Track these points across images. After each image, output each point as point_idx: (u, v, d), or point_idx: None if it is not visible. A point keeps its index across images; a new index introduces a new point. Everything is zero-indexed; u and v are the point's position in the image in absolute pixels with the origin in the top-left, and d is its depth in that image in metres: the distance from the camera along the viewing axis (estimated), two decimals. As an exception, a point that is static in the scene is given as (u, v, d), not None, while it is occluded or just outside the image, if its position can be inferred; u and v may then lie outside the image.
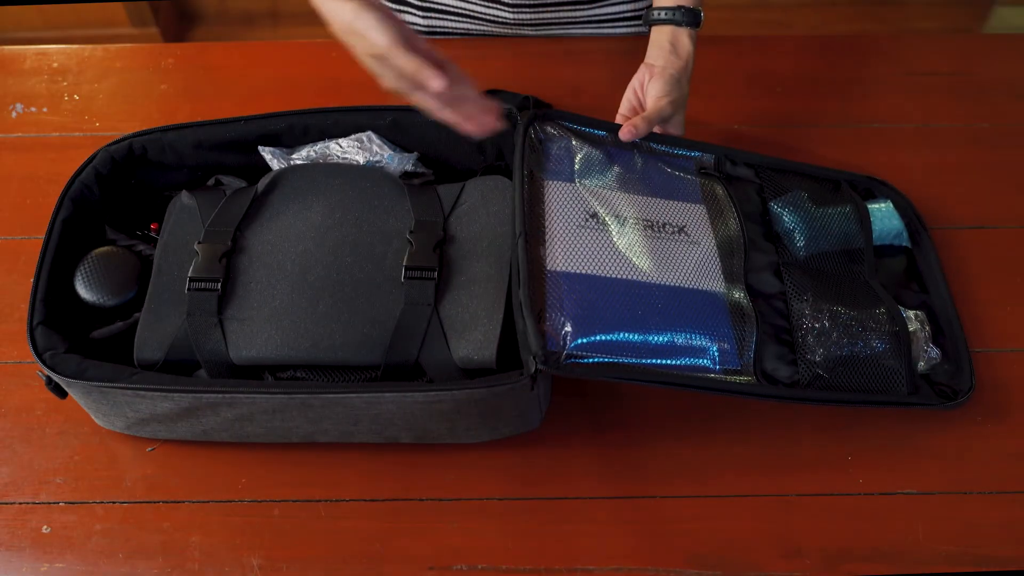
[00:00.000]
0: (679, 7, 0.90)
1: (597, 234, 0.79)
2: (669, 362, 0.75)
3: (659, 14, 0.91)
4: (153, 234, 0.86)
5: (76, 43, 1.12)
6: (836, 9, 2.45)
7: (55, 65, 1.10)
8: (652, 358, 0.74)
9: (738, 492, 0.80)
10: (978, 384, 0.85)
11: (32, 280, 0.78)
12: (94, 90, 1.06)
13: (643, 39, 1.22)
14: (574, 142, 0.86)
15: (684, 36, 0.91)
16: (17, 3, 2.15)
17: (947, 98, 1.10)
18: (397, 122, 0.91)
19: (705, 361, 0.76)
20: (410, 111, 0.90)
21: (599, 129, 0.89)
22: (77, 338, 0.78)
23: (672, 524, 0.78)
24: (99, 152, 0.86)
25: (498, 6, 1.08)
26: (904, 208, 0.94)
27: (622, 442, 0.82)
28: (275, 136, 0.90)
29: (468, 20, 1.11)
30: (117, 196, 0.87)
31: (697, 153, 0.92)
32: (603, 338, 0.73)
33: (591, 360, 0.73)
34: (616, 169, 0.86)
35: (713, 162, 0.92)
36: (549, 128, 0.86)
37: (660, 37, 0.91)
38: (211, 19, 2.40)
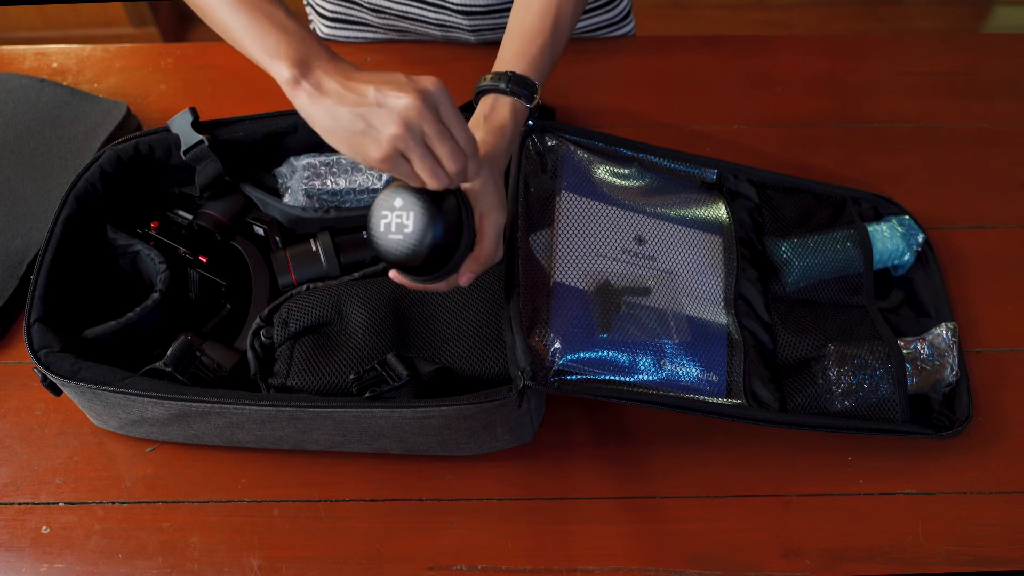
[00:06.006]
0: (506, 72, 0.76)
1: (598, 250, 0.79)
2: (658, 382, 0.75)
3: (483, 82, 0.76)
4: (153, 232, 0.86)
5: (76, 43, 1.12)
6: (836, 9, 2.45)
7: (55, 65, 1.10)
8: (642, 378, 0.74)
9: (738, 492, 0.79)
10: (976, 384, 0.85)
11: (32, 277, 0.78)
12: (94, 90, 1.06)
13: (621, 39, 1.21)
14: (580, 154, 0.85)
15: (505, 106, 0.74)
16: (17, 3, 2.15)
17: (947, 98, 1.10)
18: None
19: (696, 384, 0.76)
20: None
21: (601, 141, 0.88)
22: (73, 336, 0.78)
23: (672, 524, 0.78)
24: (105, 151, 0.86)
25: (449, 13, 1.05)
26: (911, 228, 0.91)
27: (622, 442, 0.82)
28: (282, 134, 0.89)
29: (426, 25, 1.09)
30: (120, 195, 0.87)
31: (698, 170, 0.91)
32: (592, 355, 0.73)
33: (580, 377, 0.73)
34: (622, 184, 0.85)
35: (716, 177, 0.91)
36: (548, 140, 0.85)
37: (479, 109, 0.75)
38: (211, 19, 2.40)
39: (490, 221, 0.68)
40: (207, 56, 1.13)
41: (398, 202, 0.65)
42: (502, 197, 0.70)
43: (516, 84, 0.75)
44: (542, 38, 0.78)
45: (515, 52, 0.78)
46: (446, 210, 0.65)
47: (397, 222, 0.65)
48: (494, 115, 0.74)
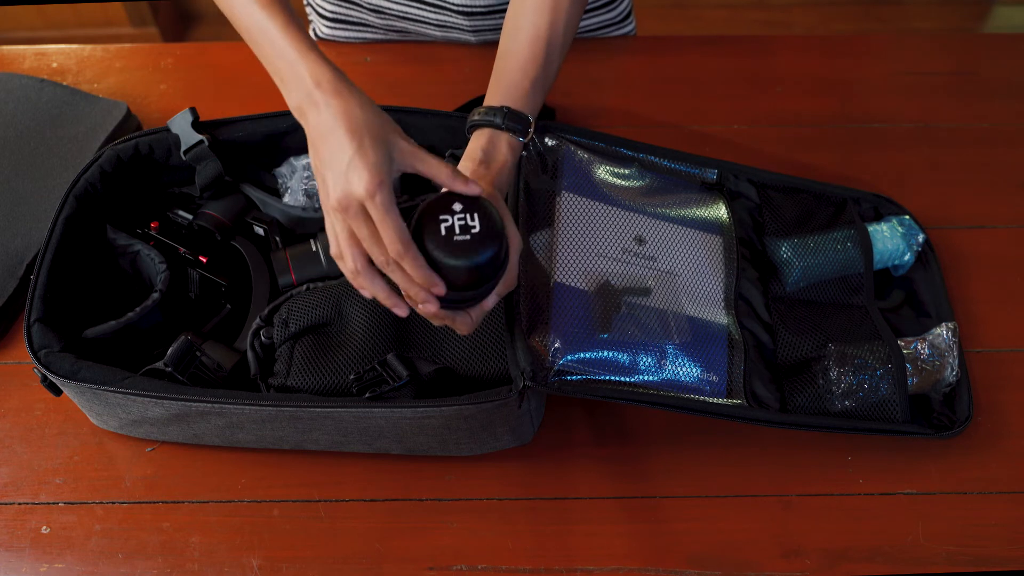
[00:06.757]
0: (502, 107, 0.75)
1: (599, 250, 0.79)
2: (659, 383, 0.75)
3: (477, 116, 0.76)
4: (153, 232, 0.86)
5: (76, 43, 1.12)
6: (836, 9, 2.45)
7: (54, 65, 1.10)
8: (642, 378, 0.74)
9: (738, 492, 0.79)
10: (976, 384, 0.85)
11: (32, 277, 0.78)
12: (94, 90, 1.06)
13: (621, 39, 1.20)
14: (580, 154, 0.85)
15: (502, 142, 0.75)
16: (17, 3, 2.15)
17: (947, 98, 1.10)
18: (401, 123, 0.90)
19: (696, 384, 0.76)
20: (414, 112, 0.90)
21: (602, 141, 0.88)
22: (73, 336, 0.78)
23: (672, 524, 0.78)
24: (105, 151, 0.86)
25: (450, 14, 1.05)
26: (911, 228, 0.91)
27: (622, 442, 0.82)
28: (282, 134, 0.89)
29: (426, 25, 1.09)
30: (120, 195, 0.87)
31: (698, 170, 0.91)
32: (593, 355, 0.73)
33: (580, 377, 0.72)
34: (622, 184, 0.85)
35: (716, 177, 0.91)
36: (548, 140, 0.85)
37: (474, 143, 0.76)
38: (211, 19, 2.40)
39: (512, 247, 0.69)
40: (207, 56, 1.13)
41: (457, 206, 0.64)
42: (515, 226, 0.71)
43: (511, 120, 0.75)
44: (534, 70, 0.78)
45: (508, 85, 0.78)
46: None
47: (461, 223, 0.64)
48: (494, 152, 0.75)
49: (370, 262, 0.65)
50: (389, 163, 0.63)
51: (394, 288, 0.67)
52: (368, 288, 0.66)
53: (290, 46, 0.67)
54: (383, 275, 0.66)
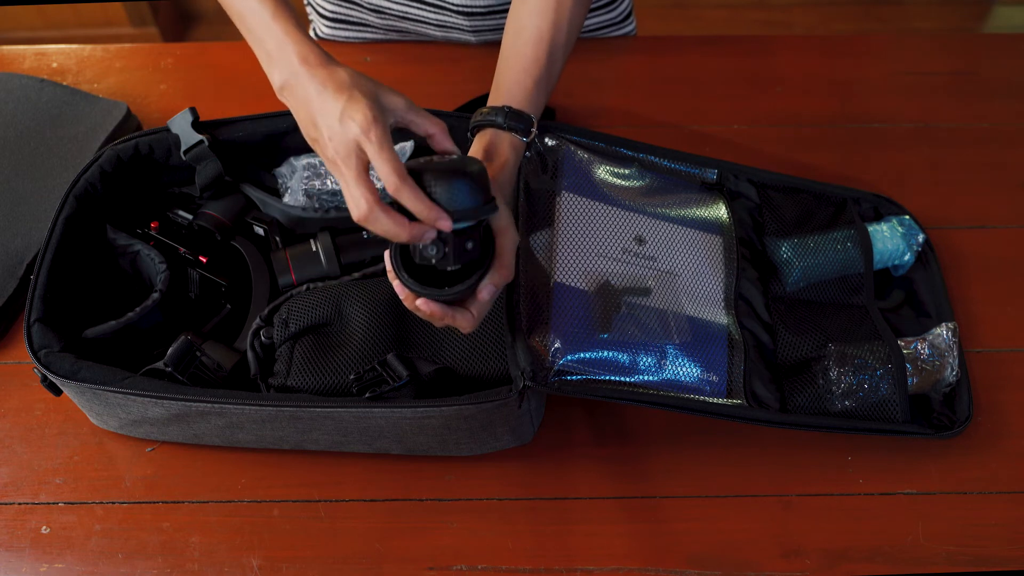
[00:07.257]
0: (503, 107, 0.75)
1: (599, 250, 0.79)
2: (659, 383, 0.75)
3: (479, 117, 0.76)
4: (153, 232, 0.86)
5: (76, 43, 1.12)
6: (836, 9, 2.45)
7: (54, 65, 1.10)
8: (642, 378, 0.74)
9: (738, 492, 0.79)
10: (976, 384, 0.85)
11: (32, 277, 0.78)
12: (94, 90, 1.06)
13: (622, 39, 1.20)
14: (580, 154, 0.85)
15: (504, 142, 0.75)
16: (17, 3, 2.15)
17: (947, 98, 1.10)
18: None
19: (696, 384, 0.76)
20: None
21: (602, 141, 0.88)
22: (73, 336, 0.78)
23: (672, 524, 0.78)
24: (105, 151, 0.86)
25: (450, 15, 1.05)
26: (911, 228, 0.91)
27: (622, 442, 0.82)
28: (282, 134, 0.89)
29: (426, 26, 1.09)
30: (120, 195, 0.87)
31: (698, 170, 0.91)
32: (593, 355, 0.73)
33: (580, 377, 0.72)
34: (622, 184, 0.85)
35: (716, 177, 0.91)
36: (548, 140, 0.85)
37: (477, 144, 0.76)
38: (211, 19, 2.40)
39: (507, 238, 0.68)
40: (207, 56, 1.13)
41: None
42: (513, 220, 0.71)
43: (513, 119, 0.75)
44: (537, 71, 0.78)
45: (510, 85, 0.78)
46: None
47: (443, 156, 0.68)
48: (495, 152, 0.75)
49: (378, 200, 0.63)
50: (382, 109, 0.64)
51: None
52: (381, 222, 0.63)
53: (279, 27, 0.69)
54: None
